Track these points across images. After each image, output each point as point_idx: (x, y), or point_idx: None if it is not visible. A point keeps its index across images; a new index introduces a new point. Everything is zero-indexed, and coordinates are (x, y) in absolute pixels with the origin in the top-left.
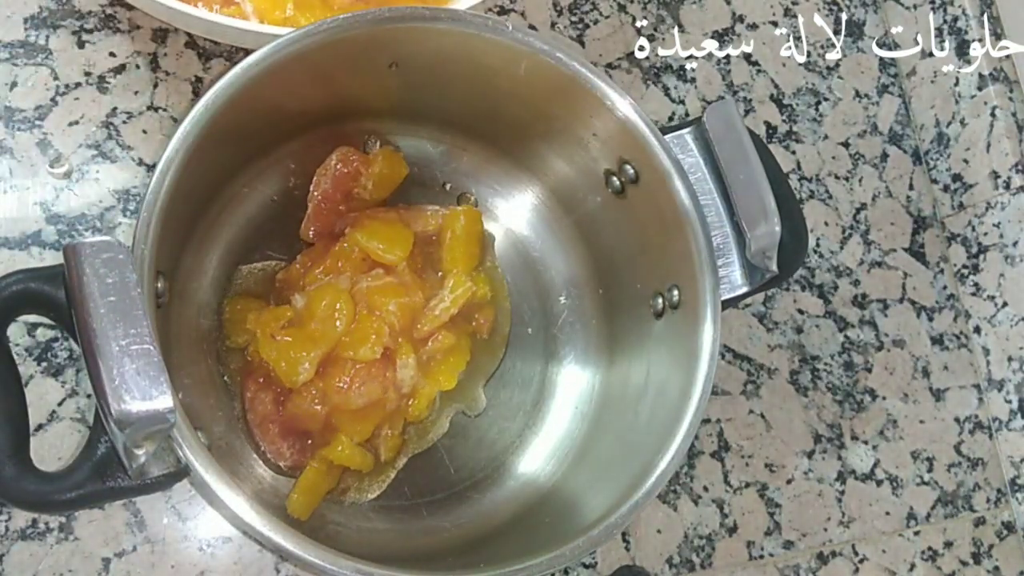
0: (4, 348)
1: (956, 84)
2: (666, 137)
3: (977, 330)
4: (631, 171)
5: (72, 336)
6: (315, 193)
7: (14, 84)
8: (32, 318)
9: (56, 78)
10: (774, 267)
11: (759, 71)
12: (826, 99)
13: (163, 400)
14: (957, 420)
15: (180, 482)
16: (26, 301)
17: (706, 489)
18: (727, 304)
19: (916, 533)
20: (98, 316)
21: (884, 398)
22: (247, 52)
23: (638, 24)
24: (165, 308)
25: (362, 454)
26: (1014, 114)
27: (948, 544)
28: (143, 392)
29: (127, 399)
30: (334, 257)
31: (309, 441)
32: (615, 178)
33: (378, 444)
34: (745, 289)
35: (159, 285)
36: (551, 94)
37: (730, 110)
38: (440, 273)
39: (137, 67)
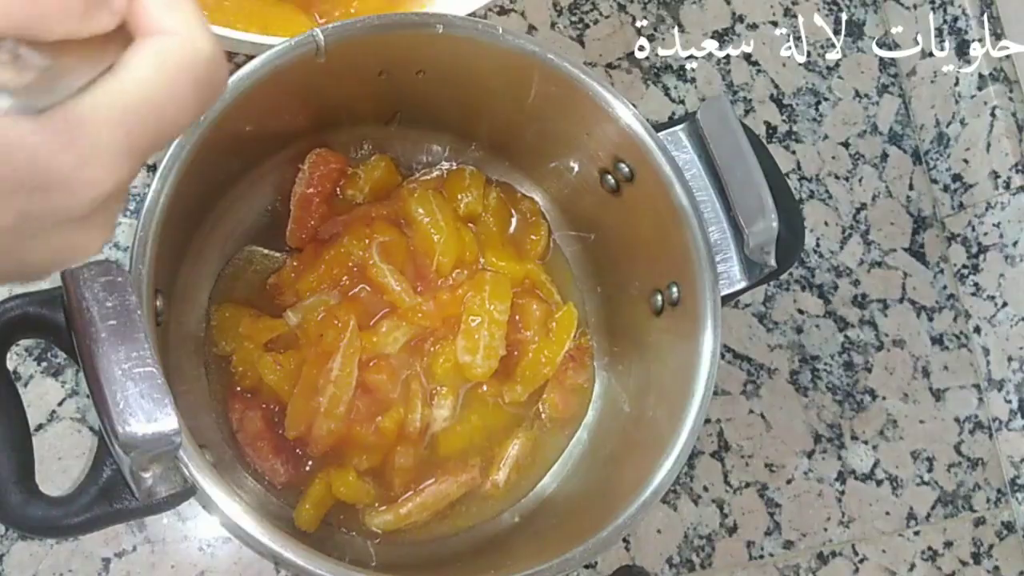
0: (4, 373)
1: (956, 84)
2: (660, 134)
3: (977, 330)
4: (626, 169)
5: (73, 358)
6: (293, 198)
7: None
8: None
9: None
10: (772, 262)
11: (759, 71)
12: (826, 99)
13: (168, 422)
14: (957, 420)
15: (187, 501)
16: (25, 326)
17: (706, 489)
18: (727, 299)
19: (916, 533)
20: (99, 340)
21: (884, 398)
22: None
23: (638, 24)
24: (164, 325)
25: (363, 490)
26: (1014, 114)
27: (948, 544)
28: (148, 415)
29: (132, 422)
30: (328, 264)
31: (309, 461)
32: (610, 176)
33: (391, 475)
34: (744, 284)
35: (158, 303)
36: (544, 96)
37: (724, 106)
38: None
39: None
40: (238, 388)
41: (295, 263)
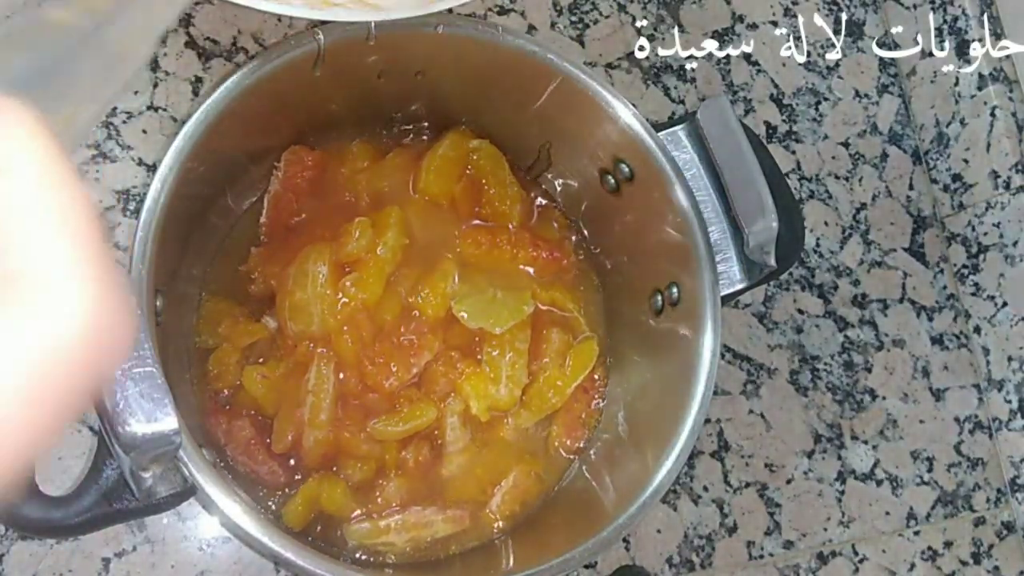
0: None
1: (956, 84)
2: (660, 134)
3: (977, 330)
4: (626, 169)
5: None
6: (268, 196)
7: None
8: None
9: None
10: (772, 262)
11: (759, 71)
12: (826, 99)
13: (168, 422)
14: (957, 420)
15: (187, 501)
16: None
17: (706, 489)
18: (726, 299)
19: (916, 533)
20: None
21: (884, 398)
22: (246, 52)
23: (638, 24)
24: (164, 324)
25: (349, 506)
26: (1014, 114)
27: (948, 544)
28: (148, 415)
29: (132, 423)
30: (302, 260)
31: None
32: (610, 176)
33: (375, 496)
34: (744, 284)
35: (157, 303)
36: (545, 96)
37: (723, 106)
38: None
39: None
40: (216, 397)
41: (262, 249)
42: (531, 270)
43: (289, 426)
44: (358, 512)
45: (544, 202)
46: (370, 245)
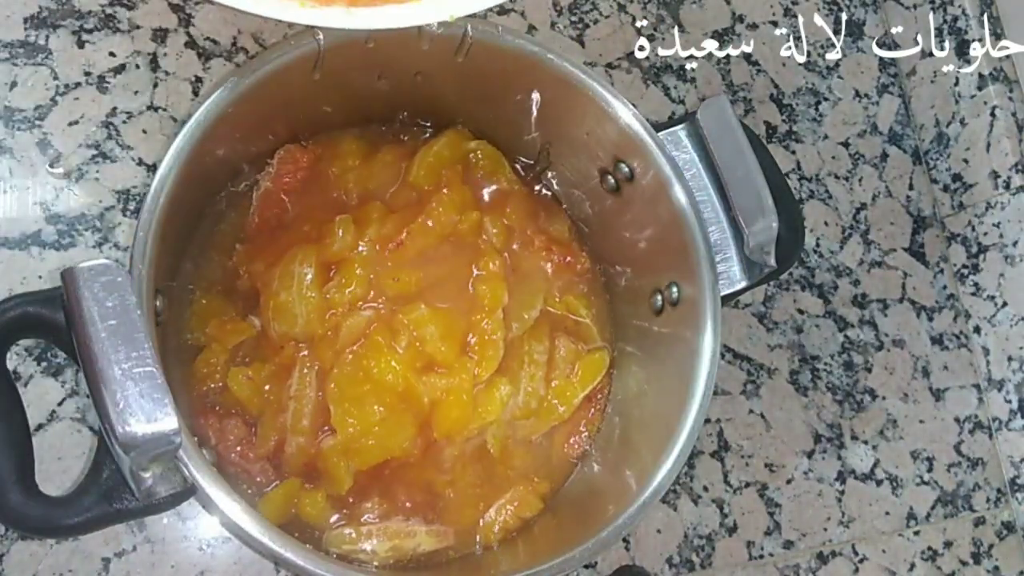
0: (4, 373)
1: (956, 84)
2: (660, 134)
3: (977, 330)
4: (626, 169)
5: (73, 358)
6: (256, 192)
7: (14, 84)
8: None
9: (56, 78)
10: (772, 262)
11: (759, 71)
12: (826, 99)
13: (168, 422)
14: (957, 420)
15: (187, 500)
16: (25, 326)
17: (706, 489)
18: (726, 299)
19: (916, 533)
20: (99, 340)
21: (884, 398)
22: (246, 52)
23: (638, 24)
24: (164, 324)
25: (327, 516)
26: (1014, 114)
27: (948, 544)
28: (148, 415)
29: (132, 422)
30: (288, 261)
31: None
32: (610, 176)
33: (358, 512)
34: (744, 284)
35: (157, 303)
36: (544, 96)
37: (723, 106)
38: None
39: (137, 67)
40: (205, 397)
41: (248, 246)
42: (548, 269)
43: (272, 431)
44: (337, 517)
45: (548, 198)
46: (353, 243)
